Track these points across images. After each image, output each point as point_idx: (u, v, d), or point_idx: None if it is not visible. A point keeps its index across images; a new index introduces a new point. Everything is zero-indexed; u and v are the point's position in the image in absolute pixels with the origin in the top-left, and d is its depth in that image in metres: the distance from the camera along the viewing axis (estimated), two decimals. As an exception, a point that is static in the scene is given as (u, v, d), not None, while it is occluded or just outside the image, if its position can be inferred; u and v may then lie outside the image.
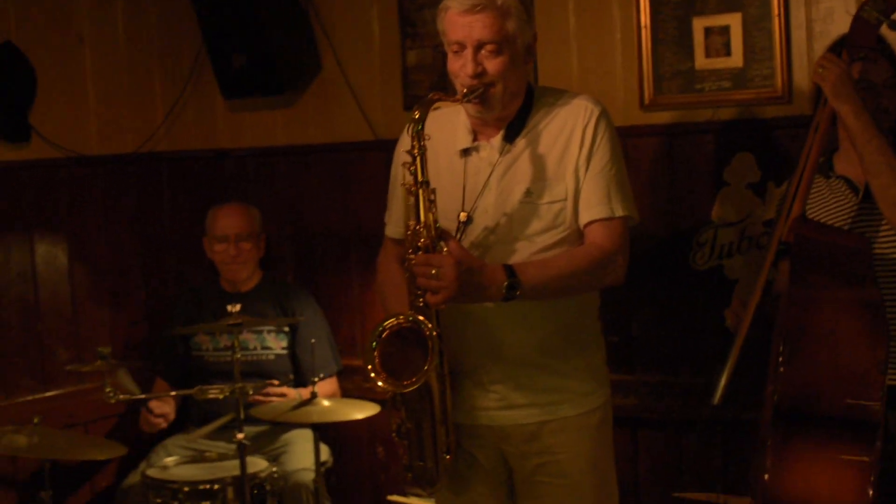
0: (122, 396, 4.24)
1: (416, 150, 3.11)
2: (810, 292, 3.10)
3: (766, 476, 3.01)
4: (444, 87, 4.55)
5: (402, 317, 3.13)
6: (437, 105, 3.19)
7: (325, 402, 4.46)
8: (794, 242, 3.23)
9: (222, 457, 4.66)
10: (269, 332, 4.93)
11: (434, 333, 3.07)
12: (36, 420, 4.28)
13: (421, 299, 3.08)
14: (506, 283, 3.03)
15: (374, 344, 3.11)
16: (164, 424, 4.78)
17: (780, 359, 3.01)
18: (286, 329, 4.95)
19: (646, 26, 4.42)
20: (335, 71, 5.13)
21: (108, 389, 4.17)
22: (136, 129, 5.39)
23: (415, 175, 3.11)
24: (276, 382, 4.70)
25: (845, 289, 3.09)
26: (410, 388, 3.10)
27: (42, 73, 4.96)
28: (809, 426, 2.99)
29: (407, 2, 4.92)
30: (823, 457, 2.99)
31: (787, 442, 3.01)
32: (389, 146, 3.50)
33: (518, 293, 3.04)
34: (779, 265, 3.38)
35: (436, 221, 3.09)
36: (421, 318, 3.09)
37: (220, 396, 4.28)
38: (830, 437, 2.99)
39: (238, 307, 4.32)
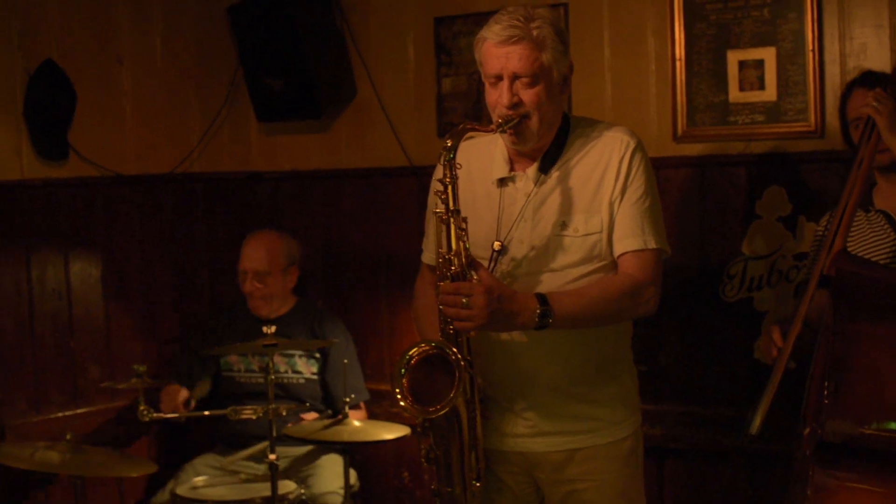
0: (154, 415, 4.27)
1: (447, 179, 3.12)
2: (853, 326, 3.09)
3: (806, 508, 3.02)
4: (478, 115, 4.60)
5: (429, 344, 3.14)
6: (471, 135, 3.22)
7: (356, 423, 4.48)
8: (835, 276, 3.23)
9: (252, 477, 4.69)
10: (299, 356, 4.95)
11: (462, 361, 3.08)
12: (68, 436, 4.31)
13: (451, 327, 3.10)
14: (538, 312, 3.04)
15: (403, 371, 3.12)
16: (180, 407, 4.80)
17: (825, 392, 3.02)
18: (317, 355, 4.97)
19: (680, 59, 4.45)
20: (370, 96, 5.17)
21: (141, 407, 4.20)
22: (172, 150, 5.44)
23: (446, 203, 3.12)
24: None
25: (887, 323, 3.09)
26: (436, 415, 3.11)
27: (81, 93, 5.02)
28: (852, 459, 3.00)
29: (443, 29, 4.96)
30: (865, 490, 2.99)
31: (830, 473, 3.00)
32: (423, 172, 3.54)
33: (550, 322, 3.06)
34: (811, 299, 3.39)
35: (466, 250, 3.10)
36: (448, 345, 3.11)
37: (254, 417, 4.30)
38: (873, 470, 2.98)
39: (273, 329, 4.34)
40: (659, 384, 4.55)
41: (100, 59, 5.17)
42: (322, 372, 4.97)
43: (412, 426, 4.42)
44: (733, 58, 4.39)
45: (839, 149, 4.12)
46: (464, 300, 2.98)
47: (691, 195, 4.48)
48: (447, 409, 3.09)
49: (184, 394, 4.84)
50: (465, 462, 3.25)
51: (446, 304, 3.04)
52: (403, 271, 4.90)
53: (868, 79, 3.71)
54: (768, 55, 4.33)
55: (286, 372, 4.93)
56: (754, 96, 4.36)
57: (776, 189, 4.33)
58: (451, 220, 3.11)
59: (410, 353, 3.14)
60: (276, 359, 4.86)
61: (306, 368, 4.96)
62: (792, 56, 4.28)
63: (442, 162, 3.12)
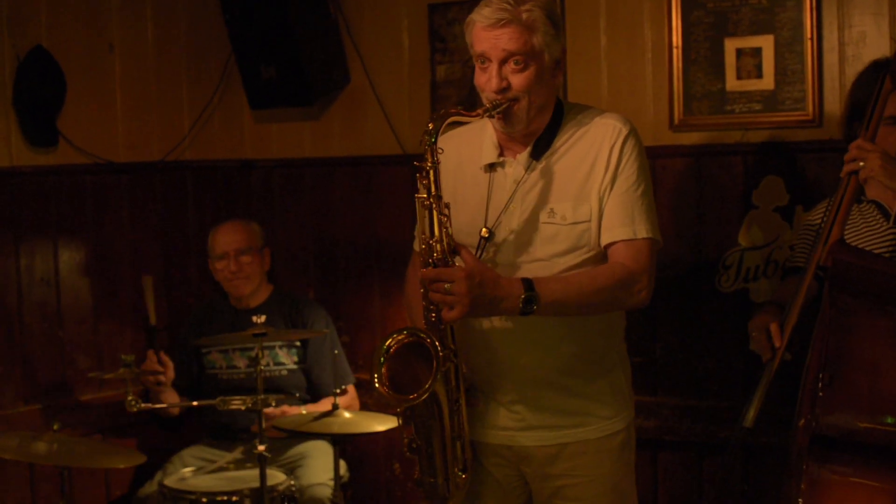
0: (143, 405, 4.23)
1: (428, 164, 3.06)
2: (849, 318, 3.06)
3: (800, 501, 2.98)
4: (472, 103, 4.53)
5: (406, 332, 3.10)
6: (455, 119, 3.15)
7: (347, 414, 4.44)
8: (832, 266, 3.18)
9: (240, 468, 4.64)
10: (280, 347, 4.91)
11: (440, 350, 3.03)
12: (55, 427, 4.27)
13: (433, 314, 3.05)
14: (523, 297, 2.98)
15: (382, 360, 3.08)
16: (163, 378, 4.73)
17: (820, 384, 2.97)
18: (297, 344, 4.93)
19: (677, 46, 4.40)
20: (364, 83, 5.12)
21: (129, 398, 4.17)
22: (163, 138, 5.40)
23: (428, 189, 3.07)
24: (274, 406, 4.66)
25: (884, 315, 3.05)
26: (414, 402, 3.06)
27: (71, 79, 4.97)
28: (846, 453, 2.96)
29: (437, 16, 4.92)
30: (859, 484, 2.96)
31: (823, 467, 2.98)
32: (416, 160, 3.48)
33: (535, 308, 2.99)
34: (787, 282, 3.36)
35: (449, 235, 3.05)
36: (426, 332, 3.06)
37: (243, 408, 4.26)
38: (867, 464, 2.95)
39: (263, 318, 4.29)
40: (654, 376, 4.52)
41: (90, 45, 5.12)
42: (303, 360, 4.92)
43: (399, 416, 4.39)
44: (731, 46, 4.34)
45: (837, 138, 4.08)
46: (446, 286, 2.93)
47: (687, 185, 4.43)
48: (425, 397, 3.04)
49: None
50: (447, 452, 3.20)
51: (429, 290, 2.99)
52: (396, 260, 4.86)
53: None
54: (766, 43, 4.28)
55: (268, 365, 4.86)
56: (751, 85, 4.31)
57: (773, 179, 4.29)
58: (433, 205, 3.06)
59: (388, 341, 3.10)
60: (257, 351, 4.80)
61: (288, 359, 4.91)
62: (790, 44, 4.23)
63: (423, 146, 3.07)
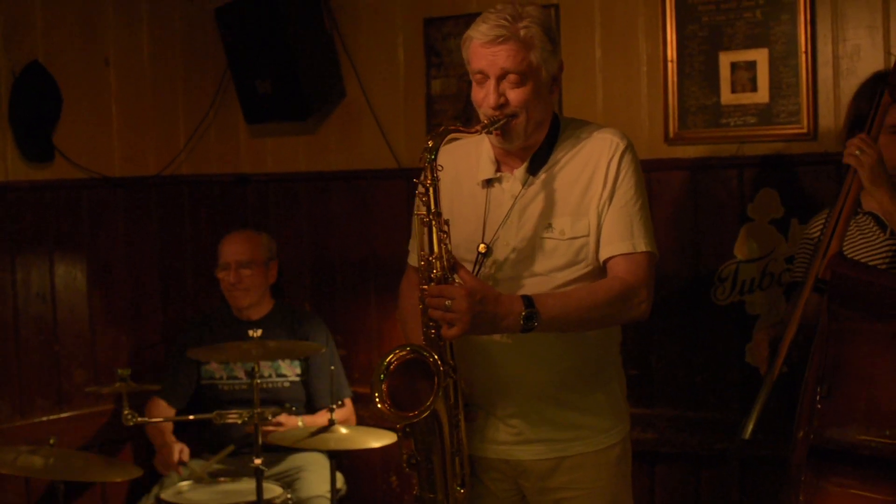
0: (139, 419, 4.22)
1: (428, 181, 3.06)
2: (848, 330, 3.07)
3: (799, 512, 2.99)
4: (468, 117, 4.57)
5: (408, 349, 3.09)
6: (453, 136, 3.16)
7: (343, 430, 4.44)
8: (831, 280, 3.19)
9: (236, 482, 4.63)
10: (283, 359, 4.90)
11: (441, 367, 3.02)
12: (51, 441, 4.26)
13: (433, 331, 3.04)
14: (523, 314, 2.97)
15: (382, 376, 3.07)
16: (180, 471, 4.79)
17: (818, 396, 2.98)
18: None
19: (672, 60, 4.41)
20: (359, 98, 5.13)
21: (126, 412, 4.15)
22: (159, 152, 5.40)
23: (427, 206, 3.06)
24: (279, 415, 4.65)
25: (882, 327, 3.06)
26: (415, 420, 3.06)
27: (67, 94, 4.97)
28: (845, 464, 2.96)
29: (432, 30, 4.93)
30: (858, 496, 2.96)
31: (822, 479, 2.98)
32: (412, 174, 3.49)
33: (535, 324, 2.99)
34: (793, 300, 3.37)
35: (448, 252, 3.04)
36: (427, 350, 3.05)
37: (239, 422, 4.25)
38: (866, 476, 2.95)
39: (259, 332, 4.29)
40: (650, 388, 4.52)
41: (86, 60, 5.12)
42: (305, 373, 4.92)
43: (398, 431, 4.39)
44: (725, 59, 4.36)
45: (832, 151, 4.10)
46: (447, 303, 2.93)
47: (683, 198, 4.44)
48: (426, 415, 3.04)
49: (182, 451, 4.82)
50: (447, 468, 3.18)
51: (429, 307, 2.98)
52: (392, 274, 4.83)
53: None
54: (760, 57, 4.30)
55: (270, 376, 4.88)
56: (746, 98, 4.33)
57: (768, 192, 4.30)
58: (433, 222, 3.05)
59: (389, 358, 3.08)
60: (261, 363, 4.81)
61: (290, 370, 4.92)
62: (784, 58, 4.25)
63: (422, 163, 3.06)
